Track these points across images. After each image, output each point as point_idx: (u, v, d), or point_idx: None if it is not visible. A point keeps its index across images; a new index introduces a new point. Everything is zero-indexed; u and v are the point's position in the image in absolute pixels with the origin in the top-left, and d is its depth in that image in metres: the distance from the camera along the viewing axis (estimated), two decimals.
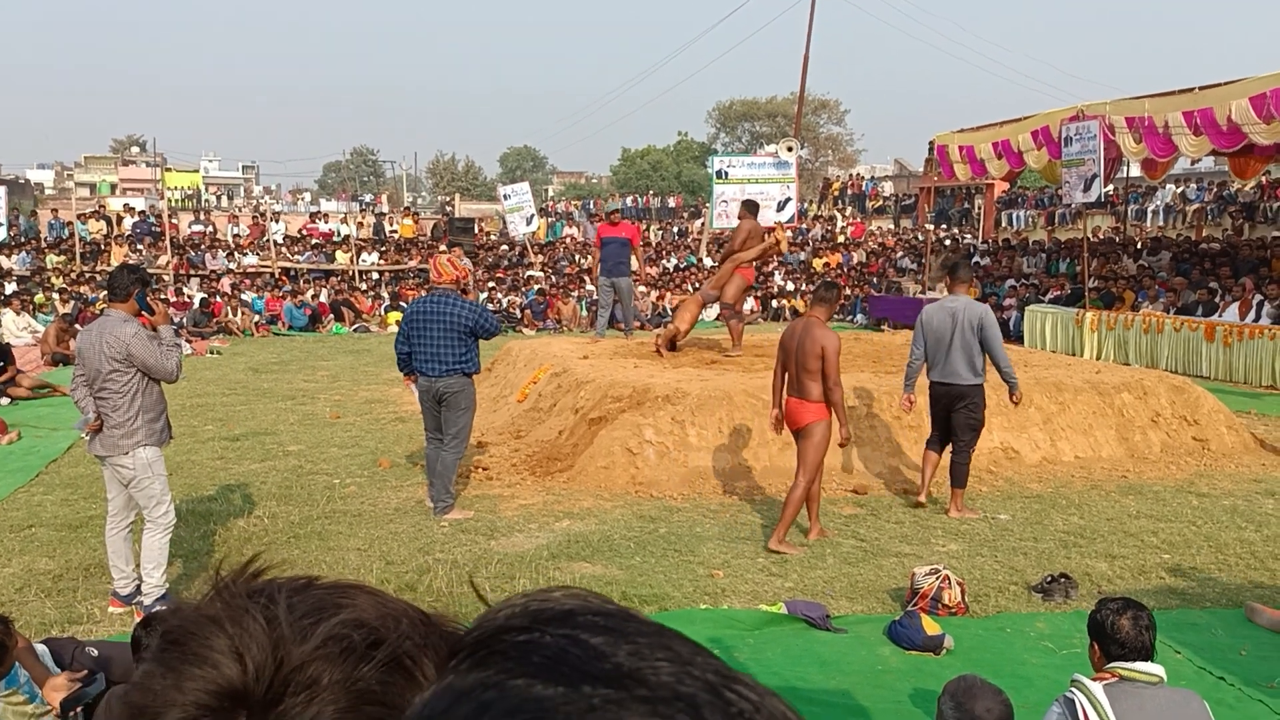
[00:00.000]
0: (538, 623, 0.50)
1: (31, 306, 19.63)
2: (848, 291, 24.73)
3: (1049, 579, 5.88)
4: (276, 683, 0.56)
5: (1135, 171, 22.50)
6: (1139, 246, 21.71)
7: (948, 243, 27.23)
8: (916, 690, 4.61)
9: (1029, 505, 7.73)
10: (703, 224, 26.13)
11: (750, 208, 11.46)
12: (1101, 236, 24.01)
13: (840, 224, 32.91)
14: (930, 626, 5.11)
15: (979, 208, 31.22)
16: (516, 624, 0.51)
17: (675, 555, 6.40)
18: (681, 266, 27.11)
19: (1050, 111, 17.82)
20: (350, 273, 25.39)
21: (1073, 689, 3.21)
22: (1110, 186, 22.08)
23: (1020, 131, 18.55)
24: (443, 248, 23.85)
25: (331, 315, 21.95)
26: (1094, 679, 3.24)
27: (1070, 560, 6.42)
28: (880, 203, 37.68)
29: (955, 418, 7.42)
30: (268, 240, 26.40)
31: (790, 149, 24.95)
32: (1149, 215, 27.40)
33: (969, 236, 29.11)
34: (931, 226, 28.51)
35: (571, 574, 6.02)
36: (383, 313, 22.76)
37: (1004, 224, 29.66)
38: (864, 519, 7.30)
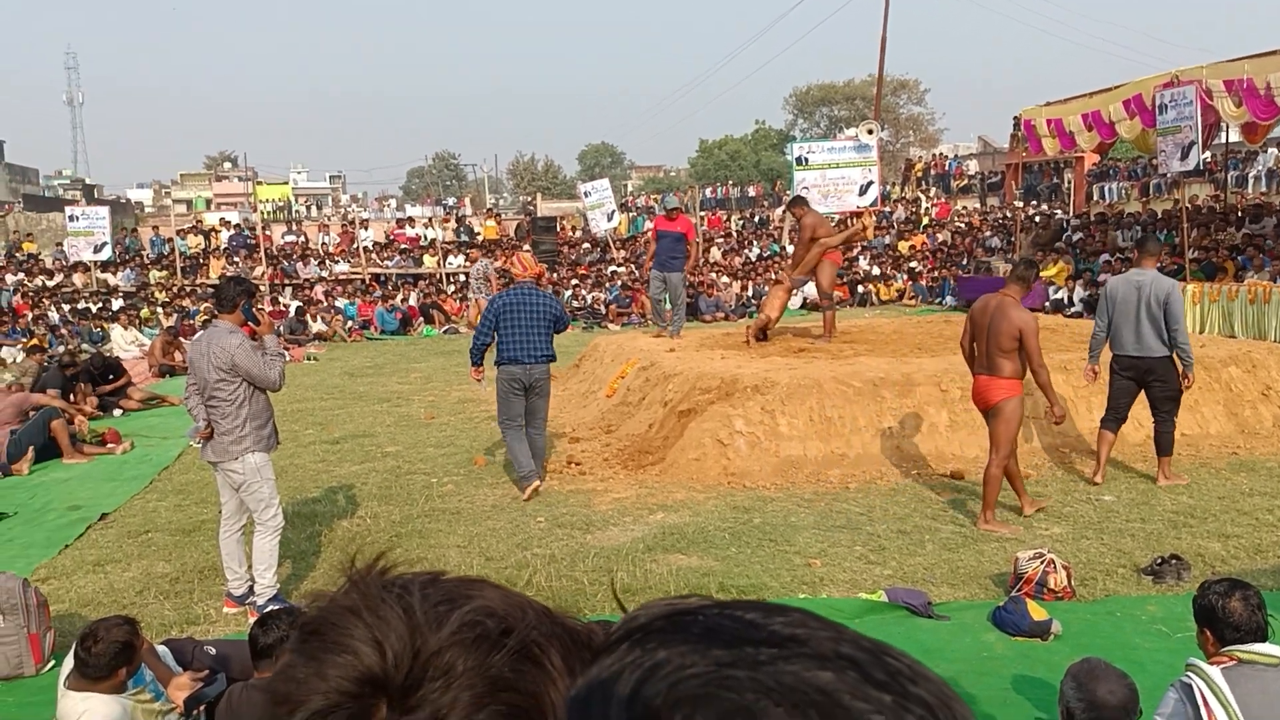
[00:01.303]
0: (687, 610, 0.51)
1: (138, 321, 20.41)
2: (935, 274, 24.30)
3: (1159, 560, 5.72)
4: (415, 669, 0.58)
5: (1234, 137, 21.61)
6: (1241, 214, 20.87)
7: (1037, 219, 26.53)
8: (1024, 676, 4.53)
9: (1134, 485, 7.51)
10: (784, 212, 25.93)
11: (798, 202, 11.44)
12: (1200, 206, 23.15)
13: (924, 205, 32.34)
14: (1036, 611, 5.01)
15: (1069, 182, 30.37)
16: (664, 613, 0.52)
17: (771, 545, 6.38)
18: (765, 255, 26.95)
19: (1143, 79, 17.24)
20: (438, 275, 25.83)
21: (1189, 673, 3.12)
22: (1208, 153, 21.25)
23: (1111, 101, 17.99)
24: (526, 246, 24.13)
25: (421, 318, 22.35)
26: (1211, 663, 3.15)
27: (1180, 541, 6.23)
28: (965, 181, 36.90)
29: (1151, 391, 7.46)
30: (357, 247, 27.01)
31: (870, 131, 24.60)
32: (1250, 181, 26.33)
33: (1059, 211, 28.33)
34: (1020, 203, 27.84)
35: (668, 566, 6.05)
36: (470, 313, 23.10)
37: (1096, 197, 28.79)
38: (962, 503, 7.18)
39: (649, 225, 31.13)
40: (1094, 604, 5.40)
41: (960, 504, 7.18)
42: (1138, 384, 7.48)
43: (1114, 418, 7.59)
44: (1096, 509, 6.94)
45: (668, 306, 12.93)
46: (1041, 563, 5.42)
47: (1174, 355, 7.38)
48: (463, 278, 25.84)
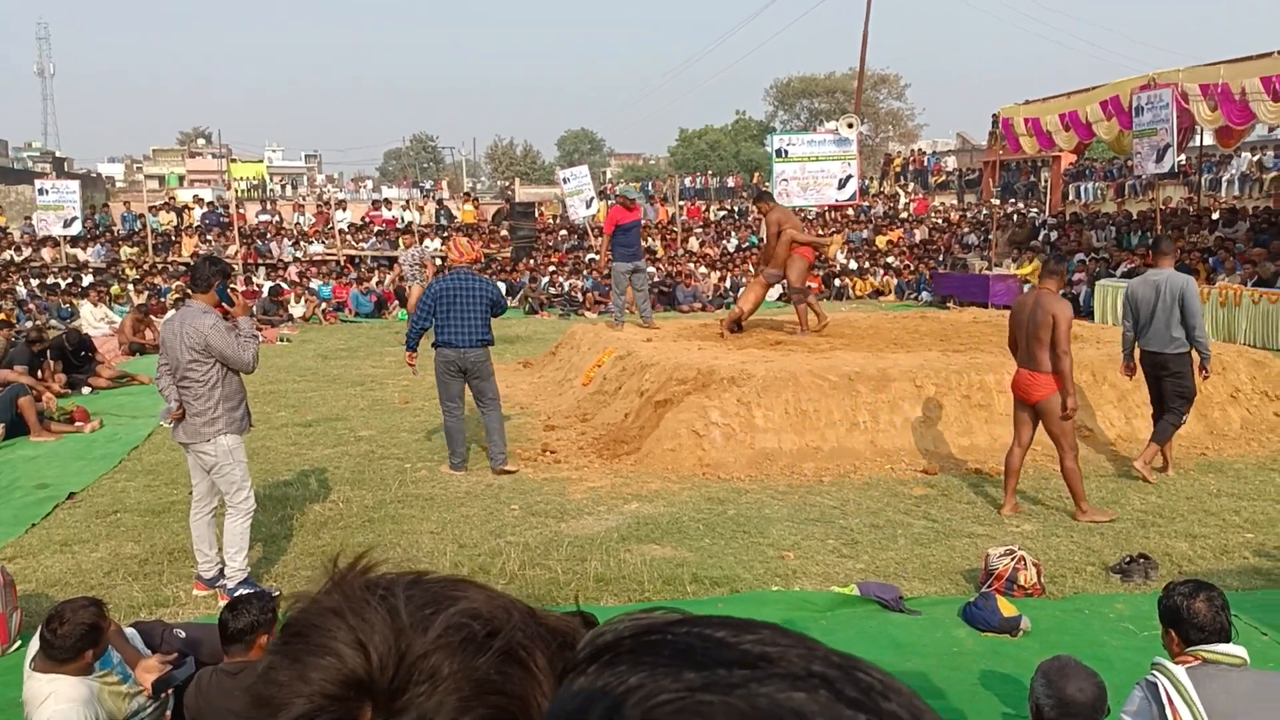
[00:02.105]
0: (655, 628, 0.50)
1: (108, 298, 20.16)
2: (912, 269, 24.42)
3: (1128, 559, 5.78)
4: (400, 672, 0.57)
5: (1209, 140, 21.84)
6: (1214, 217, 21.10)
7: (1014, 217, 26.71)
8: (993, 672, 4.57)
9: (1104, 484, 7.59)
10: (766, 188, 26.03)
11: (762, 198, 11.56)
12: (1174, 208, 23.37)
13: (903, 200, 32.47)
14: (1006, 608, 5.06)
15: (1045, 181, 30.58)
16: (632, 632, 0.51)
17: (745, 537, 6.40)
18: (743, 246, 26.98)
19: (1120, 81, 17.38)
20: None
21: (1154, 672, 3.16)
22: (1183, 156, 21.47)
23: (1089, 102, 18.13)
24: (502, 231, 24.03)
25: (396, 301, 22.22)
26: (1176, 662, 3.19)
27: (1149, 540, 6.30)
28: (943, 178, 37.09)
29: (1164, 386, 7.70)
30: (332, 228, 26.80)
31: (850, 125, 24.65)
32: (1224, 185, 26.61)
33: (1035, 210, 28.54)
34: (997, 201, 28.02)
35: (642, 556, 6.06)
36: (410, 301, 23.04)
37: (1072, 197, 29.02)
38: (935, 499, 7.23)
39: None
40: (1063, 601, 5.46)
41: (932, 500, 7.23)
42: (1155, 378, 7.77)
43: (1158, 410, 7.83)
44: (1067, 507, 7.00)
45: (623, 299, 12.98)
46: (1012, 559, 5.47)
47: (1192, 350, 7.61)
48: (438, 261, 25.69)
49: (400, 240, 18.02)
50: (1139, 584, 5.58)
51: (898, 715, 0.46)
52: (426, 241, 26.20)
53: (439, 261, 19.00)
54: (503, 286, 23.35)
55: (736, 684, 0.45)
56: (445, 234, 25.46)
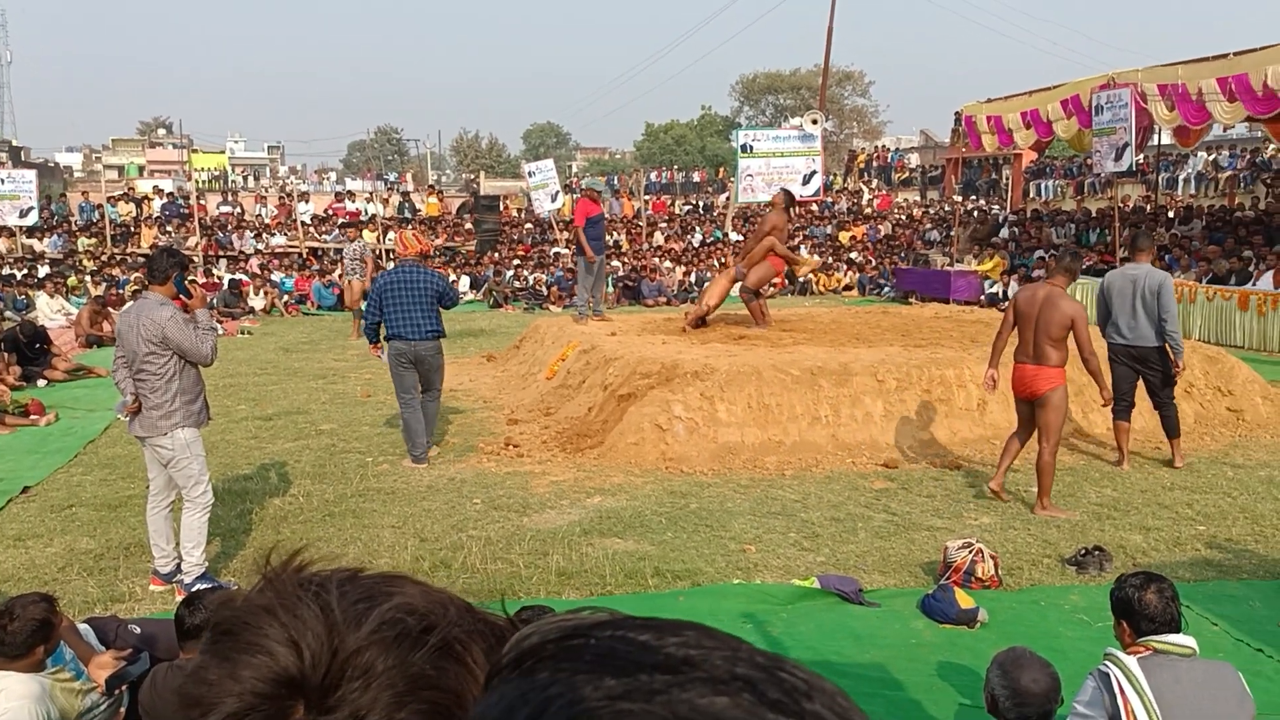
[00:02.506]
0: (579, 631, 0.50)
1: (64, 289, 19.85)
2: (874, 264, 24.59)
3: (1083, 552, 5.87)
4: (333, 669, 0.57)
5: (1166, 140, 22.16)
6: (1171, 215, 21.42)
7: (975, 214, 26.96)
8: (950, 663, 4.62)
9: (1060, 478, 7.64)
10: (728, 198, 26.00)
11: (787, 199, 11.45)
12: (1132, 205, 23.70)
13: (866, 196, 32.68)
14: (964, 600, 5.11)
15: (1007, 178, 30.87)
16: (556, 635, 0.50)
17: (707, 530, 6.42)
18: (708, 241, 27.03)
19: (1080, 80, 17.58)
20: (377, 251, 25.48)
21: (1107, 662, 3.21)
22: (1141, 155, 21.76)
23: (1049, 101, 18.32)
24: (474, 225, 23.92)
25: (360, 294, 22.03)
26: (1128, 652, 3.24)
27: (1104, 533, 6.39)
28: (906, 174, 37.38)
29: (1148, 379, 7.88)
30: (295, 220, 26.53)
31: (815, 121, 24.75)
32: (1180, 184, 27.02)
33: (997, 207, 28.83)
34: (959, 198, 28.26)
35: (604, 550, 6.06)
36: (349, 296, 22.83)
37: (1032, 194, 29.35)
38: (895, 493, 7.29)
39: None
40: (1019, 593, 5.52)
41: (892, 493, 7.29)
42: (1134, 371, 7.89)
43: (1123, 405, 7.92)
44: (1024, 500, 7.09)
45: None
46: (970, 552, 5.53)
47: (1165, 345, 7.76)
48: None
49: (352, 235, 17.58)
50: (1094, 576, 5.67)
51: (820, 716, 0.46)
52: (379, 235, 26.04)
53: (386, 255, 18.85)
54: (466, 280, 23.27)
55: (658, 690, 0.45)
56: (389, 228, 25.29)
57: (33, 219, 23.78)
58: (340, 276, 18.72)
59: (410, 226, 24.04)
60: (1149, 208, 23.23)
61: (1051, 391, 6.74)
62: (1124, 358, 7.93)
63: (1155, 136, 20.31)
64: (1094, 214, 23.22)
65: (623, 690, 0.45)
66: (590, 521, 6.60)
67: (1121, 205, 20.28)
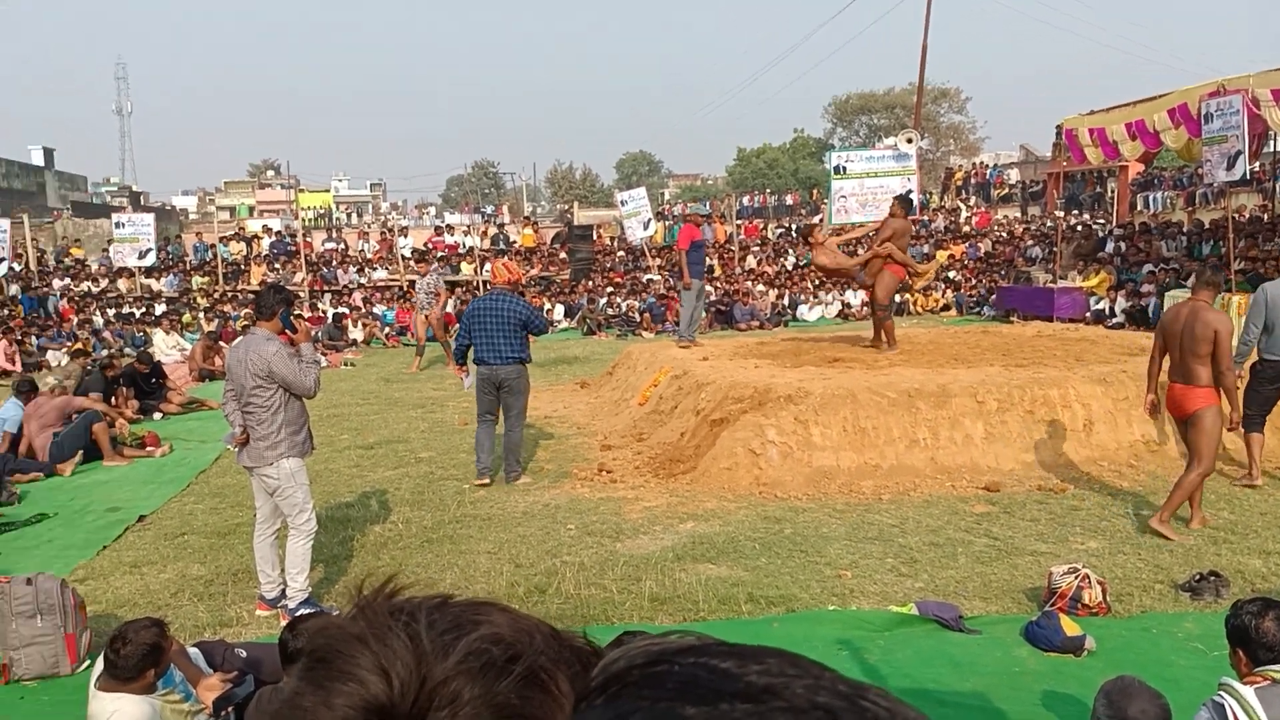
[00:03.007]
0: (664, 657, 0.51)
1: (179, 326, 20.70)
2: (974, 284, 24.07)
3: (1198, 577, 5.61)
4: (421, 698, 0.57)
5: None
6: None
7: (1079, 229, 26.21)
8: (1055, 693, 4.46)
9: None
10: (821, 220, 25.81)
11: (904, 204, 11.23)
12: (1248, 216, 22.74)
13: (964, 214, 32.06)
14: (1070, 627, 4.94)
15: (1112, 191, 29.96)
16: (642, 660, 0.51)
17: (801, 556, 6.34)
18: (800, 264, 26.84)
19: (1188, 88, 16.98)
20: (475, 283, 25.98)
21: (1222, 692, 3.07)
22: (1256, 163, 20.88)
23: (1156, 111, 17.73)
24: (565, 254, 24.22)
25: (458, 325, 22.46)
26: (1245, 682, 3.09)
27: (1220, 557, 6.11)
28: (1006, 190, 36.58)
29: None
30: (396, 254, 27.24)
31: (910, 140, 24.41)
32: None
33: (1102, 221, 27.98)
34: (1061, 213, 27.51)
35: (697, 575, 6.03)
36: (418, 329, 23.13)
37: (1140, 207, 28.40)
38: (996, 517, 7.09)
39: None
40: (1129, 620, 5.31)
41: (994, 517, 7.09)
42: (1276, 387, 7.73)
43: (1259, 418, 7.73)
44: (1134, 524, 6.83)
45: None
46: (1076, 578, 5.34)
47: None
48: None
49: (423, 270, 17.63)
50: (1209, 602, 5.41)
51: None
52: (467, 265, 26.53)
53: (483, 286, 19.02)
54: (561, 309, 23.54)
55: (737, 719, 0.45)
56: (485, 259, 25.72)
57: (150, 260, 24.91)
58: (406, 308, 18.37)
59: (506, 256, 24.43)
60: (1266, 217, 22.25)
61: (1202, 411, 6.48)
62: (1268, 373, 7.71)
63: (1271, 143, 19.48)
64: (1207, 225, 22.34)
65: (703, 719, 0.45)
66: (683, 547, 6.58)
67: (1237, 215, 19.48)
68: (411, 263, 26.90)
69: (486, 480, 8.38)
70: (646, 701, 0.47)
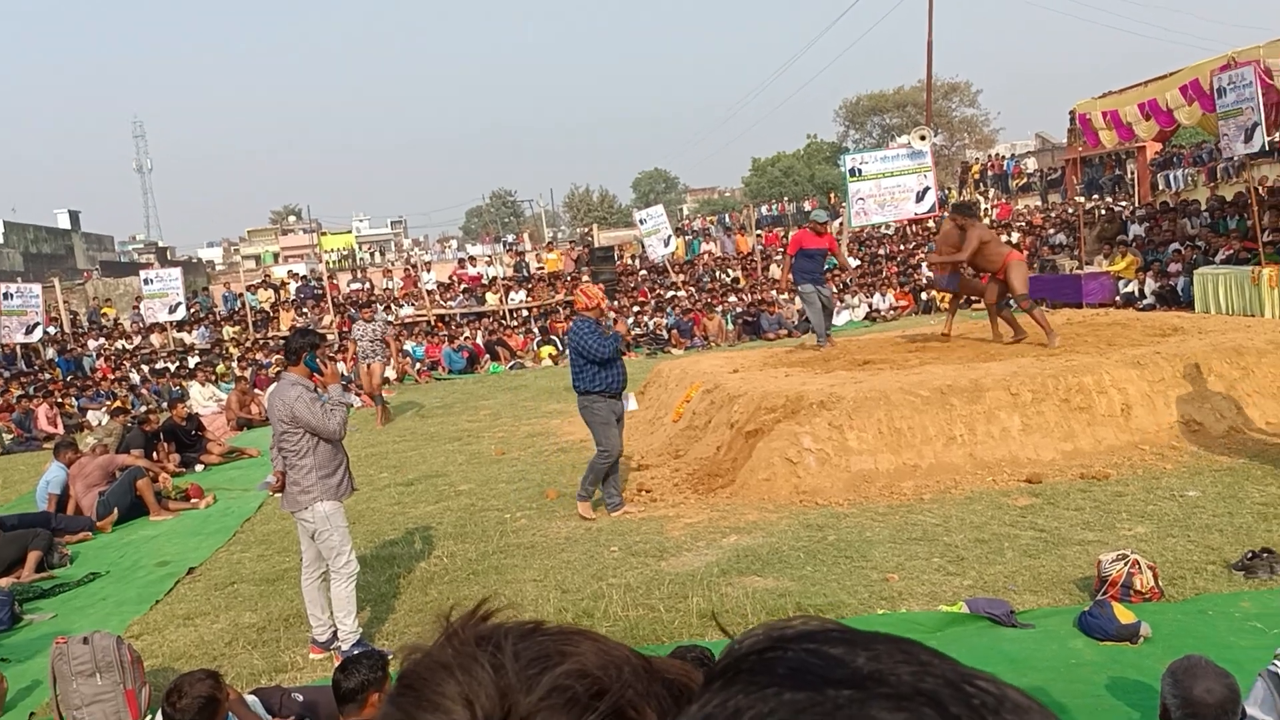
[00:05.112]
0: (780, 643, 0.52)
1: (214, 377, 20.95)
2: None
3: (1250, 555, 5.54)
4: None
5: None
6: None
7: (1101, 213, 25.99)
8: (1115, 681, 4.41)
9: (1219, 479, 7.29)
10: (841, 224, 25.74)
11: (963, 210, 10.92)
12: (1270, 186, 22.46)
13: (984, 206, 31.89)
14: (1124, 615, 4.89)
15: (1132, 173, 29.71)
16: (758, 646, 0.52)
17: (847, 562, 6.32)
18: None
19: (1198, 64, 16.84)
20: (501, 312, 26.12)
21: (1276, 662, 3.04)
22: (1276, 134, 20.64)
23: (1168, 89, 17.59)
24: (585, 277, 24.31)
25: (487, 355, 22.59)
26: None
27: (1272, 534, 6.03)
28: (1025, 180, 36.34)
29: None
30: (421, 290, 27.45)
31: (923, 137, 24.34)
32: None
33: (1124, 203, 27.74)
34: (1082, 199, 27.31)
35: (744, 589, 6.02)
36: (535, 348, 23.23)
37: (1161, 186, 28.11)
38: (1041, 508, 7.04)
39: (705, 247, 31.18)
40: (1184, 604, 5.25)
41: (1038, 509, 7.03)
42: None
43: None
44: (1181, 505, 6.75)
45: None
46: (1125, 564, 5.29)
47: None
48: (524, 312, 26.02)
49: (366, 315, 15.36)
50: (1264, 580, 5.35)
51: None
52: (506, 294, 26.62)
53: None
54: None
55: (841, 705, 0.46)
56: (510, 288, 25.80)
57: (180, 314, 25.26)
58: (351, 361, 15.78)
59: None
60: None
61: None
62: None
63: None
64: (1229, 200, 22.09)
65: (806, 704, 0.46)
66: (728, 561, 6.57)
67: (1259, 187, 19.26)
68: (437, 296, 27.11)
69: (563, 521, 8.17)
70: (756, 688, 0.48)
